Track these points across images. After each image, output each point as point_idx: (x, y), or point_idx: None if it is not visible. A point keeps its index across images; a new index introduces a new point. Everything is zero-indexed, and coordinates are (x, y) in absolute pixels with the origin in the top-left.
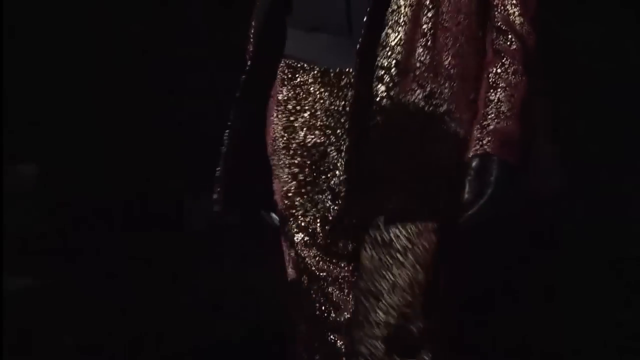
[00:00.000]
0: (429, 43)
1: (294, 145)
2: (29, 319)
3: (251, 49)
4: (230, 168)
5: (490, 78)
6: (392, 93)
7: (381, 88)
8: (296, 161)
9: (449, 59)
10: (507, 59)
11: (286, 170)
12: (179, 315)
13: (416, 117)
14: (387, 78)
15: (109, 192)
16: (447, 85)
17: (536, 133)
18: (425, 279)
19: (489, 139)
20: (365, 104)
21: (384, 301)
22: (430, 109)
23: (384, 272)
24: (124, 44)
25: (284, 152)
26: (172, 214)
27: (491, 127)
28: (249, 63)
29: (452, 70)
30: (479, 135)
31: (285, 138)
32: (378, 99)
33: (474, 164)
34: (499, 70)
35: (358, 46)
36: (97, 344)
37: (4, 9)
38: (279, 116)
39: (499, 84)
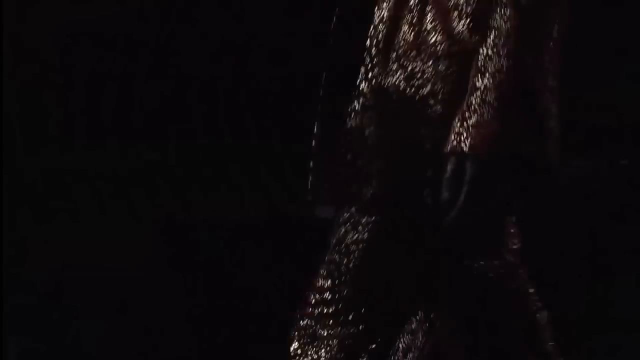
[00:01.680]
0: (414, 19)
1: None
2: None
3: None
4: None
5: (479, 61)
6: (369, 75)
7: (361, 70)
8: None
9: (436, 36)
10: (499, 39)
11: None
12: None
13: (394, 100)
14: (367, 59)
15: None
16: (430, 64)
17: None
18: None
19: (468, 133)
20: (336, 88)
21: None
22: (412, 90)
23: None
24: None
25: None
26: None
27: (473, 120)
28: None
29: (438, 48)
30: (458, 129)
31: None
32: (357, 82)
33: (450, 160)
34: (489, 53)
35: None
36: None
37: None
38: None
39: (488, 68)
